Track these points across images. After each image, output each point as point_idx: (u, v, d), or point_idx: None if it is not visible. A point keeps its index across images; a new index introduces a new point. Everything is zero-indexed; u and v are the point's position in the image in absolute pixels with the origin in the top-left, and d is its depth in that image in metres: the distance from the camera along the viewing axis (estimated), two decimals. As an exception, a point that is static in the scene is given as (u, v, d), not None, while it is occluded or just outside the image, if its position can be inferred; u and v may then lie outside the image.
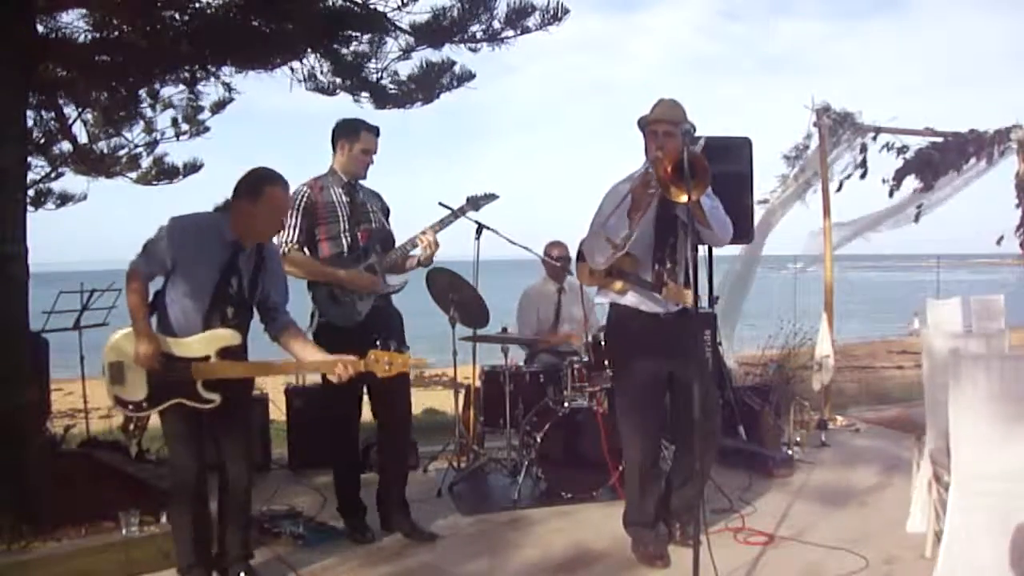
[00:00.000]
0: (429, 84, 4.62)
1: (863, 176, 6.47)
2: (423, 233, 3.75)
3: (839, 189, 6.43)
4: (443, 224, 3.81)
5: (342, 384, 3.70)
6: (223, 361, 2.92)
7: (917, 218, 6.71)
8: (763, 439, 5.17)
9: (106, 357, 2.94)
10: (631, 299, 3.42)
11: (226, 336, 2.93)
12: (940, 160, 6.47)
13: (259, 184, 2.95)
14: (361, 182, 3.81)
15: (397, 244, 3.81)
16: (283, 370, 3.18)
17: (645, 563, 3.40)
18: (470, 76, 4.65)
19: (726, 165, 5.00)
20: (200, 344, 2.91)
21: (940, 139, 6.48)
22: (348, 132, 3.73)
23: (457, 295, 4.34)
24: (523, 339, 5.18)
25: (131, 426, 4.77)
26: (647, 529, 3.49)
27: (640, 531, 3.50)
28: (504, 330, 5.00)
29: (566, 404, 4.45)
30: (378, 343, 3.29)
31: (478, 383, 4.92)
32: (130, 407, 2.95)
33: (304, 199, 3.64)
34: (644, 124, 3.40)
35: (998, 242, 6.78)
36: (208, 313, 2.93)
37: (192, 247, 2.92)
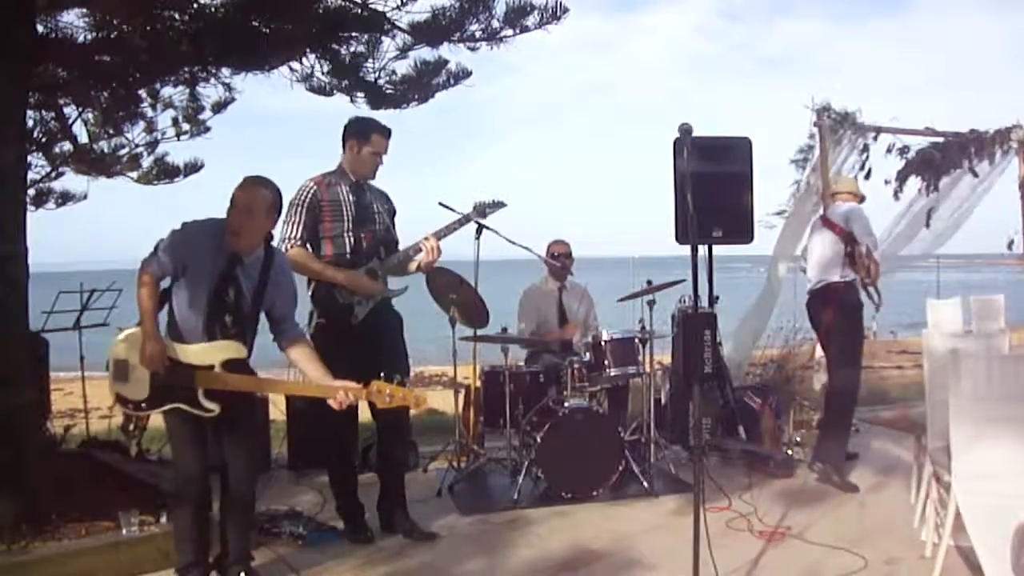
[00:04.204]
0: (424, 83, 4.61)
1: (867, 177, 6.47)
2: (426, 239, 3.72)
3: None
4: (448, 230, 3.78)
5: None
6: (227, 373, 2.92)
7: (928, 223, 6.71)
8: (763, 439, 5.17)
9: (111, 353, 2.95)
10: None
11: (232, 348, 2.95)
12: (941, 160, 6.47)
13: (236, 190, 2.97)
14: (370, 181, 3.80)
15: (401, 247, 3.81)
16: (283, 389, 3.16)
17: (846, 489, 4.35)
18: (466, 74, 4.64)
19: (726, 165, 5.00)
20: (205, 353, 2.93)
21: (941, 139, 6.48)
22: (358, 132, 3.71)
23: (457, 295, 4.34)
24: (523, 339, 5.18)
25: (131, 426, 4.77)
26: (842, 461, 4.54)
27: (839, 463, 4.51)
28: (504, 330, 5.00)
29: (566, 404, 4.45)
30: (382, 375, 3.22)
31: (478, 383, 4.92)
32: (130, 405, 2.98)
33: (310, 195, 3.63)
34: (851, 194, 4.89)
35: (1009, 246, 6.77)
36: (207, 321, 2.94)
37: (193, 255, 2.93)
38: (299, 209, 3.61)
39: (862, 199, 4.98)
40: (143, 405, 2.95)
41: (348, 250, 3.66)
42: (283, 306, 3.11)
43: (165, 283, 3.00)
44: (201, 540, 3.05)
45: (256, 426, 3.37)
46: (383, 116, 4.61)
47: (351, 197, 3.69)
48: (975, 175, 6.46)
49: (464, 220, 3.86)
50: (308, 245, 3.66)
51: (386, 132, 3.75)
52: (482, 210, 3.91)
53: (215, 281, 2.94)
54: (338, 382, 3.00)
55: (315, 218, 3.63)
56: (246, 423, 3.16)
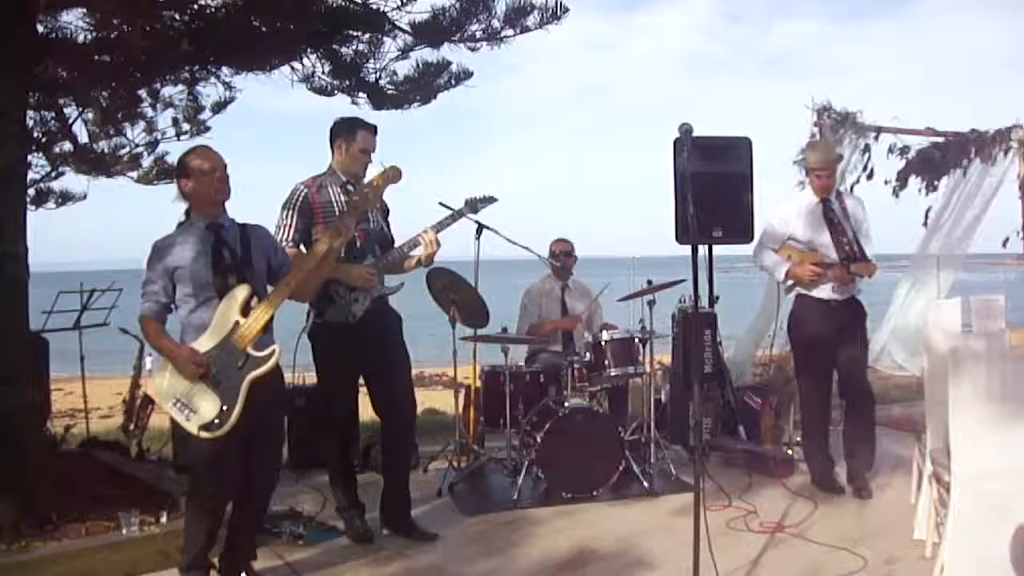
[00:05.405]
0: (426, 84, 4.60)
1: (869, 178, 6.47)
2: (425, 232, 3.73)
3: (850, 191, 6.43)
4: (441, 226, 3.79)
5: (339, 382, 3.72)
6: (250, 315, 2.89)
7: (926, 222, 6.72)
8: (763, 439, 5.17)
9: (166, 404, 2.89)
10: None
11: (235, 294, 2.91)
12: (941, 160, 6.48)
13: (183, 163, 3.01)
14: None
15: (396, 245, 3.81)
16: (305, 273, 3.00)
17: (828, 490, 4.28)
18: (468, 75, 4.63)
19: (726, 165, 5.01)
20: (219, 322, 2.89)
21: (941, 139, 6.49)
22: (345, 131, 3.72)
23: (457, 295, 4.34)
24: (523, 339, 5.18)
25: (131, 426, 4.78)
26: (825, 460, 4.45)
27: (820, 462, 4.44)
28: (504, 330, 5.00)
29: (566, 404, 4.45)
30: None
31: (478, 383, 4.92)
32: (216, 422, 2.82)
33: (301, 198, 3.63)
34: (806, 167, 4.46)
35: (1004, 244, 6.78)
36: (216, 284, 2.92)
37: (177, 249, 2.95)
38: (291, 212, 3.61)
39: (821, 169, 4.26)
40: (224, 409, 2.82)
41: (342, 249, 3.65)
42: (276, 253, 3.17)
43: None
44: (211, 539, 3.03)
45: (283, 427, 3.36)
46: (386, 117, 4.63)
47: (342, 197, 3.68)
48: (964, 175, 6.47)
49: (456, 215, 3.87)
50: (302, 247, 3.66)
51: (372, 128, 3.75)
52: (474, 205, 3.92)
53: (209, 250, 2.94)
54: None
55: (308, 220, 3.62)
56: (275, 423, 3.15)
